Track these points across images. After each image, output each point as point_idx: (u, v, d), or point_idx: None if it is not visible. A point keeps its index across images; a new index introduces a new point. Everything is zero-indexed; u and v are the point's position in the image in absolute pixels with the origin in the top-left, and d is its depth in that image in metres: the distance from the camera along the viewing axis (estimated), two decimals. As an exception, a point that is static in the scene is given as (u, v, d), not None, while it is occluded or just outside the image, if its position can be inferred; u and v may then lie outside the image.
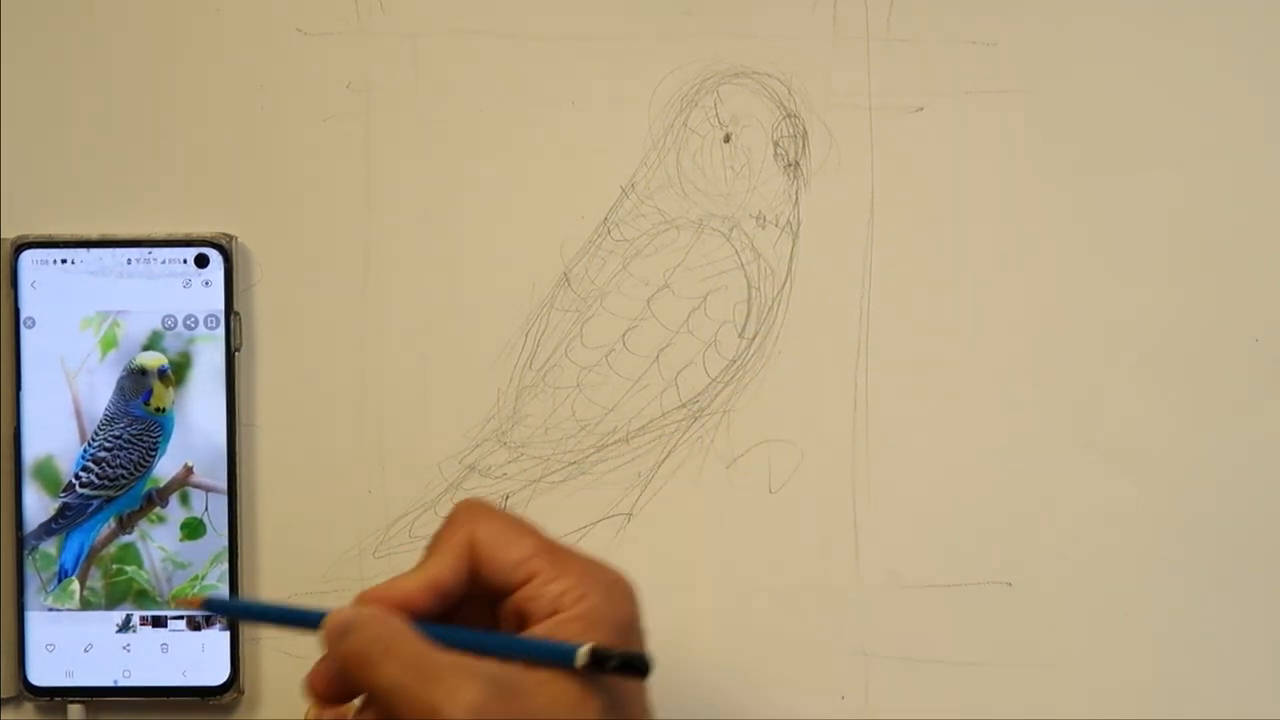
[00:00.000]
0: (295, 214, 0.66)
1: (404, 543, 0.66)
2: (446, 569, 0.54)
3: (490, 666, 0.51)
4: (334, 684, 0.54)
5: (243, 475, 0.66)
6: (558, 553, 0.54)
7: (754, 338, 0.66)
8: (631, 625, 0.54)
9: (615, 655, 0.51)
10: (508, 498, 0.66)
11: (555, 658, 0.51)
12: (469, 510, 0.56)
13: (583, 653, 0.51)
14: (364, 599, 0.54)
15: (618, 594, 0.54)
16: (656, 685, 0.66)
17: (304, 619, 0.55)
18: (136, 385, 0.65)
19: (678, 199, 0.65)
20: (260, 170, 0.66)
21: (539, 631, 0.53)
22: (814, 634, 0.65)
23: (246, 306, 0.66)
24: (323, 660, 0.54)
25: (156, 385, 0.65)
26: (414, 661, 0.51)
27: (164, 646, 0.65)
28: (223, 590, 0.65)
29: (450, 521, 0.55)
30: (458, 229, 0.66)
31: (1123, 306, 0.65)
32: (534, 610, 0.53)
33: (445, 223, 0.66)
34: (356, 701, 0.53)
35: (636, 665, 0.51)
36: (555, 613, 0.53)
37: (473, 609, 0.55)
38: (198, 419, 0.65)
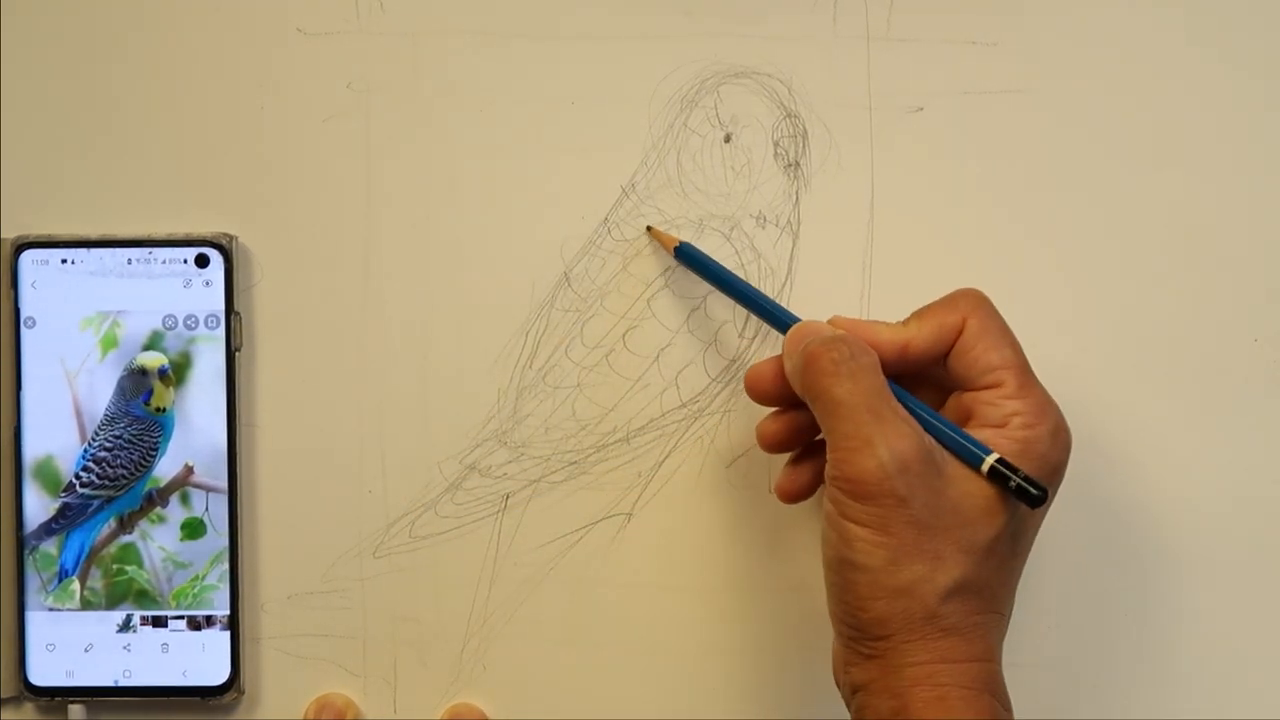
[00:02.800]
0: (295, 214, 0.66)
1: (404, 543, 0.66)
2: (927, 339, 0.58)
3: (930, 439, 0.55)
4: (777, 379, 0.58)
5: (243, 475, 0.66)
6: (1027, 375, 0.57)
7: (754, 338, 0.66)
8: (1057, 469, 0.57)
9: (1019, 474, 0.55)
10: (507, 498, 0.66)
11: (968, 453, 0.55)
12: (970, 298, 0.59)
13: (991, 459, 0.55)
14: (838, 322, 0.59)
15: (1061, 438, 0.57)
16: (656, 685, 0.66)
17: (774, 314, 0.61)
18: (137, 385, 0.65)
19: (678, 199, 0.65)
20: (260, 170, 0.66)
21: (980, 436, 0.56)
22: (814, 634, 0.65)
23: (246, 306, 0.66)
24: (774, 360, 0.59)
25: (157, 385, 0.65)
26: (874, 393, 0.55)
27: (164, 646, 0.65)
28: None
29: (950, 299, 0.59)
30: (458, 229, 0.66)
31: (1123, 306, 0.65)
32: (984, 415, 0.57)
33: (445, 223, 0.66)
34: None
35: (1033, 489, 0.54)
36: (1001, 426, 0.56)
37: (922, 382, 0.59)
38: (198, 419, 0.65)
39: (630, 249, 0.66)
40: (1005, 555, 0.56)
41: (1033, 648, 0.65)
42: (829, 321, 0.59)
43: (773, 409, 0.61)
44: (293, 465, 0.66)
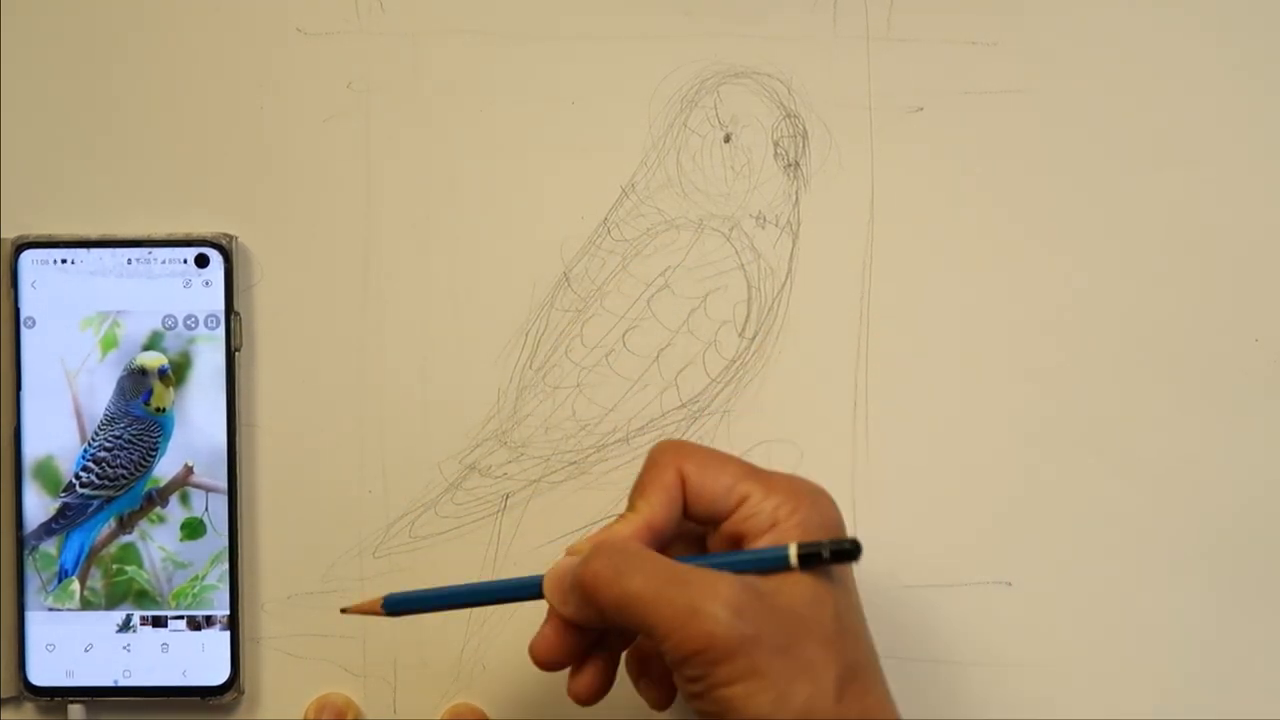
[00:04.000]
0: (295, 214, 0.66)
1: (404, 543, 0.66)
2: (660, 508, 0.57)
3: (730, 575, 0.54)
4: (566, 642, 0.57)
5: (243, 475, 0.66)
6: (761, 474, 0.57)
7: (754, 338, 0.66)
8: (839, 527, 0.57)
9: (824, 545, 0.55)
10: (507, 498, 0.66)
11: (772, 563, 0.55)
12: (670, 450, 0.58)
13: (794, 550, 0.55)
14: (576, 550, 0.57)
15: (824, 502, 0.57)
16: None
17: (515, 589, 0.58)
18: (136, 385, 0.65)
19: (678, 199, 0.65)
20: (260, 170, 0.66)
21: (762, 545, 0.55)
22: (814, 634, 0.65)
23: (246, 306, 0.66)
24: (547, 620, 0.57)
25: (156, 385, 0.65)
26: (662, 570, 0.54)
27: (164, 646, 0.65)
28: (221, 595, 0.65)
29: (653, 464, 0.58)
30: (458, 229, 0.66)
31: (1123, 306, 0.65)
32: (751, 529, 0.56)
33: (445, 223, 0.66)
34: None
35: (847, 550, 0.55)
36: (773, 526, 0.56)
37: (678, 546, 0.58)
38: (198, 419, 0.65)
39: (630, 249, 0.66)
40: (857, 627, 0.56)
41: (1030, 648, 0.65)
42: (566, 552, 0.57)
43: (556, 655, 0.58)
44: (293, 465, 0.66)
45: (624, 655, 0.59)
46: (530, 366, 0.66)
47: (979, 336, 0.65)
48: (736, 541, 0.57)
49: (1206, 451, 0.65)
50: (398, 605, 0.60)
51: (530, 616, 0.65)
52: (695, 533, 0.59)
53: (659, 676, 0.58)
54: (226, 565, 0.65)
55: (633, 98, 0.65)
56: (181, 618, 0.65)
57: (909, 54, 0.65)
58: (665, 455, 0.58)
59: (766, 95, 0.65)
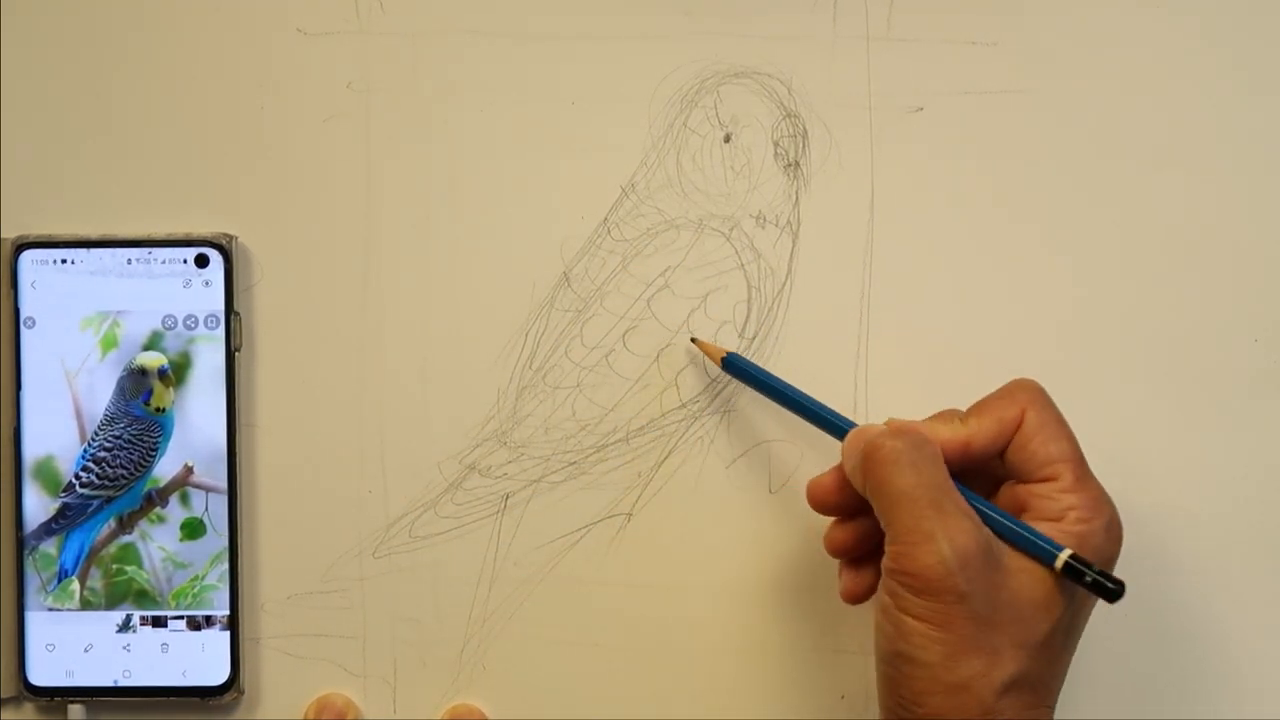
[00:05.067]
0: (295, 214, 0.66)
1: (404, 543, 0.66)
2: (986, 436, 0.58)
3: (988, 532, 0.55)
4: (841, 488, 0.58)
5: (243, 475, 0.66)
6: (1083, 469, 0.58)
7: (754, 338, 0.66)
8: (1111, 563, 0.57)
9: (1094, 569, 0.55)
10: (507, 498, 0.66)
11: (1040, 551, 0.55)
12: (1026, 391, 0.59)
13: (1065, 555, 0.55)
14: (895, 425, 0.58)
15: (1115, 531, 0.57)
16: (656, 685, 0.66)
17: (828, 418, 0.61)
18: (136, 385, 0.65)
19: (678, 199, 0.65)
20: (260, 170, 0.66)
21: (1042, 529, 0.56)
22: (814, 634, 0.65)
23: (246, 306, 0.66)
24: (835, 470, 0.59)
25: (156, 385, 0.65)
26: (936, 486, 0.55)
27: (164, 646, 0.65)
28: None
29: (1006, 393, 0.59)
30: (458, 229, 0.66)
31: (1123, 306, 0.65)
32: (1039, 508, 0.57)
33: (445, 223, 0.66)
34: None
35: (1109, 585, 0.55)
36: (1058, 520, 0.56)
37: (975, 475, 0.59)
38: (198, 419, 0.65)
39: (630, 249, 0.66)
40: (1059, 649, 0.56)
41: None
42: (885, 423, 0.59)
43: (835, 518, 0.61)
44: (293, 465, 0.66)
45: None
46: (530, 366, 0.66)
47: (979, 336, 0.65)
48: (1020, 506, 0.57)
49: (1206, 451, 0.65)
50: (735, 364, 0.63)
51: (532, 616, 0.65)
52: (997, 472, 0.59)
53: (874, 578, 0.60)
54: (226, 565, 0.65)
55: (633, 98, 0.65)
56: (181, 618, 0.65)
57: (909, 54, 0.65)
58: (1021, 394, 0.58)
59: (766, 95, 0.65)
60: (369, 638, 0.66)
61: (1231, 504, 0.65)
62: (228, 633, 0.65)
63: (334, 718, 0.65)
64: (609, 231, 0.66)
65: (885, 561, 0.55)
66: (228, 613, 0.65)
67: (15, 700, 0.66)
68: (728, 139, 0.66)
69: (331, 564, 0.66)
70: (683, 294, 0.65)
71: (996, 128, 0.65)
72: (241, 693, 0.66)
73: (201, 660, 0.65)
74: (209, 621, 0.65)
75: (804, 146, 0.65)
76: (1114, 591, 0.55)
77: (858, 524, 0.60)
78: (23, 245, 0.65)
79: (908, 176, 0.65)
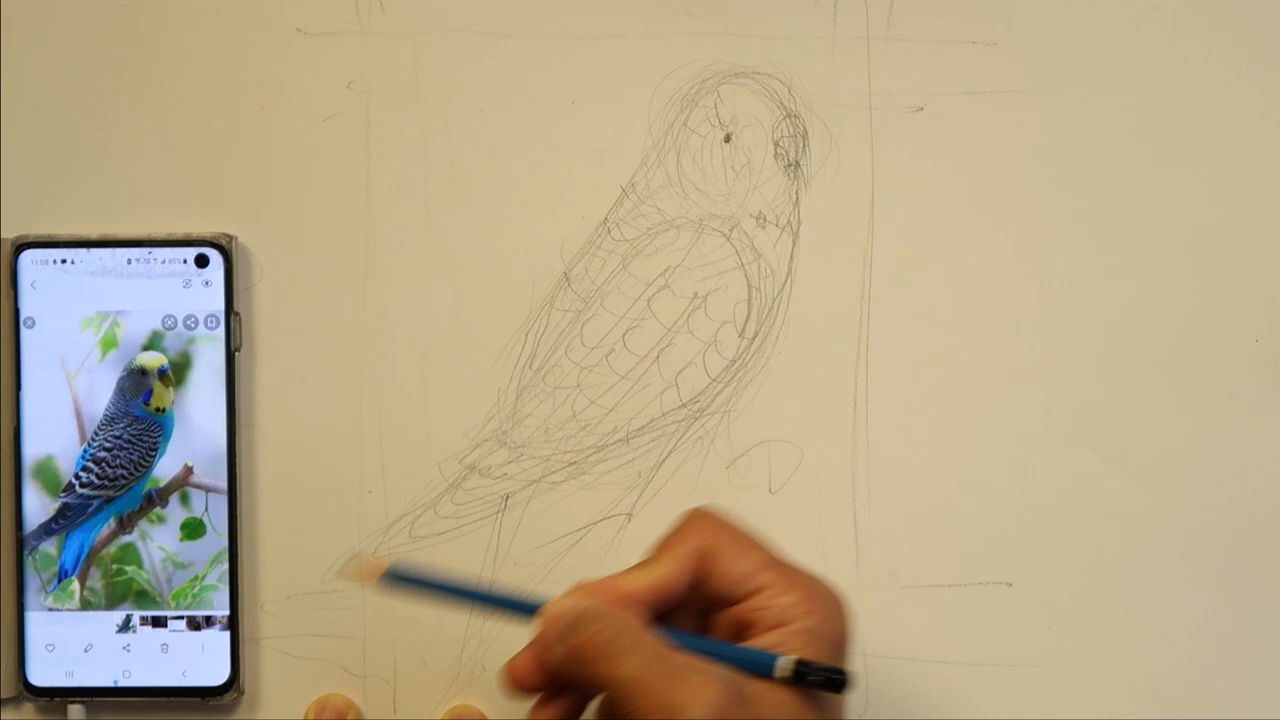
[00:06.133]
0: (295, 214, 0.66)
1: (404, 543, 0.66)
2: (673, 574, 0.56)
3: (722, 670, 0.53)
4: (542, 674, 0.55)
5: (243, 475, 0.66)
6: (784, 568, 0.56)
7: (754, 338, 0.66)
8: (845, 642, 0.56)
9: (816, 669, 0.53)
10: (507, 498, 0.66)
11: (762, 667, 0.53)
12: (702, 520, 0.57)
13: (785, 663, 0.53)
14: (585, 590, 0.56)
15: (837, 612, 0.56)
16: (656, 685, 0.66)
17: (515, 605, 0.57)
18: (136, 385, 0.65)
19: (678, 199, 0.65)
20: (260, 170, 0.66)
21: (764, 642, 0.54)
22: (814, 634, 0.65)
23: (246, 306, 0.66)
24: (531, 649, 0.55)
25: (156, 385, 0.65)
26: (656, 658, 0.53)
27: (164, 646, 0.65)
28: (218, 592, 0.65)
29: (682, 529, 0.57)
30: (458, 228, 0.66)
31: (1123, 306, 0.65)
32: (759, 620, 0.55)
33: (445, 222, 0.66)
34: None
35: (836, 680, 0.53)
36: (781, 625, 0.55)
37: (682, 613, 0.57)
38: (198, 419, 0.65)
39: (630, 249, 0.66)
40: None
41: (1029, 648, 0.65)
42: (575, 589, 0.56)
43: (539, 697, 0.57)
44: (293, 465, 0.66)
45: (597, 704, 0.56)
46: (530, 366, 0.66)
47: (979, 336, 0.65)
48: (741, 628, 0.55)
49: (1206, 451, 0.65)
50: (398, 578, 0.57)
51: (530, 616, 0.65)
52: (702, 603, 0.57)
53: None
54: (226, 565, 0.65)
55: (633, 98, 0.65)
56: (181, 618, 0.65)
57: (909, 54, 0.65)
58: (697, 525, 0.57)
59: (766, 95, 0.65)
60: (369, 638, 0.66)
61: (1231, 503, 0.65)
62: (228, 633, 0.65)
63: (334, 718, 0.65)
64: (609, 231, 0.66)
65: None
66: (228, 613, 0.65)
67: (15, 700, 0.66)
68: (728, 139, 0.66)
69: (331, 564, 0.66)
70: (683, 294, 0.65)
71: (996, 128, 0.65)
72: (241, 693, 0.66)
73: (201, 660, 0.65)
74: (209, 621, 0.65)
75: (804, 146, 0.65)
76: (840, 682, 0.53)
77: (566, 702, 0.56)
78: (23, 245, 0.65)
79: (908, 176, 0.65)
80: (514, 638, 0.65)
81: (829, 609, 0.56)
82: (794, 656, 0.53)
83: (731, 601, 0.56)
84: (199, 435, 0.65)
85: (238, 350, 0.66)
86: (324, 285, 0.66)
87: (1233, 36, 0.65)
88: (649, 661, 0.53)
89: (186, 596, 0.65)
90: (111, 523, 0.66)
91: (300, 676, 0.66)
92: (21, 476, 0.65)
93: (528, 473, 0.66)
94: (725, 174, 0.65)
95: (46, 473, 0.65)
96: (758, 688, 0.53)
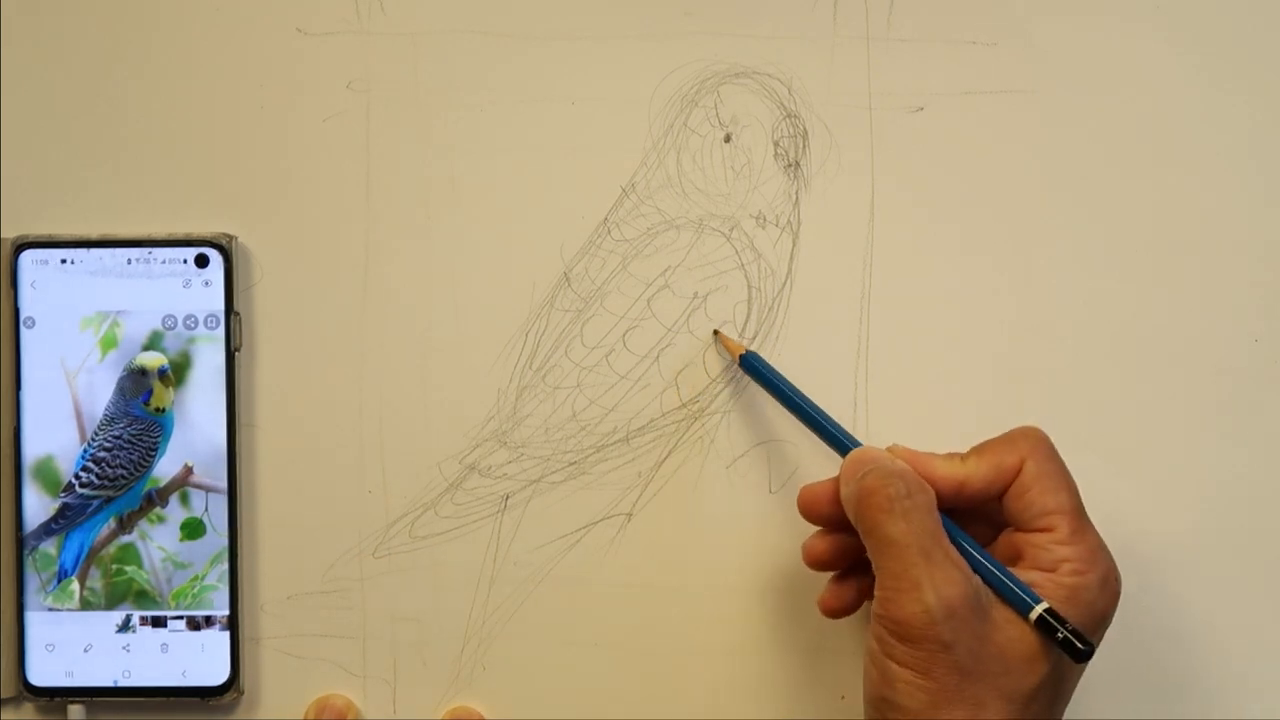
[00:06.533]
0: (295, 214, 0.66)
1: (404, 543, 0.66)
2: (984, 478, 0.58)
3: (977, 580, 0.55)
4: (833, 503, 0.59)
5: (243, 475, 0.66)
6: (1081, 520, 0.57)
7: (754, 338, 0.66)
8: (1103, 619, 0.57)
9: (1067, 626, 0.54)
10: (507, 498, 0.66)
11: (1016, 599, 0.55)
12: (1030, 438, 0.59)
13: (1040, 609, 0.55)
14: (897, 453, 0.59)
15: (1110, 587, 0.57)
16: (655, 685, 0.66)
17: (834, 433, 0.61)
18: (136, 385, 0.65)
19: (678, 199, 0.65)
20: (260, 170, 0.66)
21: (1028, 578, 0.56)
22: (814, 634, 0.65)
23: (246, 306, 0.66)
24: (831, 481, 0.59)
25: (156, 385, 0.65)
26: (927, 535, 0.55)
27: (164, 646, 0.65)
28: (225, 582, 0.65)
29: (1008, 439, 0.59)
30: (458, 229, 0.66)
31: (1122, 306, 0.65)
32: (1034, 556, 0.57)
33: (445, 223, 0.66)
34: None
35: (1079, 643, 0.54)
36: (1052, 570, 0.56)
37: (972, 514, 0.59)
38: (198, 419, 0.65)
39: (630, 249, 0.66)
40: (1046, 703, 0.56)
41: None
42: (888, 449, 0.59)
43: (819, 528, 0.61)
44: (293, 465, 0.66)
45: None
46: (530, 366, 0.66)
47: (979, 336, 0.65)
48: (1015, 554, 0.57)
49: (1206, 451, 0.65)
50: (752, 364, 0.63)
51: (532, 616, 0.65)
52: (995, 514, 0.59)
53: (855, 594, 0.61)
54: (226, 565, 0.65)
55: (633, 98, 0.65)
56: (181, 618, 0.65)
57: (909, 54, 0.65)
58: (1023, 441, 0.59)
59: (766, 95, 0.65)
60: (369, 638, 0.66)
61: (1231, 503, 0.65)
62: (228, 633, 0.65)
63: (334, 718, 0.65)
64: (609, 231, 0.66)
65: (873, 606, 0.56)
66: (228, 613, 0.65)
67: (15, 700, 0.66)
68: (728, 139, 0.66)
69: (331, 564, 0.66)
70: (683, 294, 0.65)
71: (996, 128, 0.65)
72: (241, 693, 0.66)
73: (201, 660, 0.65)
74: (209, 621, 0.65)
75: (804, 146, 0.65)
76: (1082, 651, 0.54)
77: (839, 539, 0.60)
78: (23, 245, 0.65)
79: (908, 176, 0.65)
80: (514, 639, 0.65)
81: (1102, 580, 0.57)
82: (1047, 605, 0.55)
83: (1021, 528, 0.58)
84: (199, 435, 0.65)
85: (238, 350, 0.65)
86: (324, 285, 0.66)
87: (1233, 36, 0.65)
88: (919, 535, 0.55)
89: (186, 596, 0.65)
90: (111, 523, 0.66)
91: (300, 676, 0.66)
92: (21, 476, 0.65)
93: (528, 473, 0.66)
94: (725, 174, 0.65)
95: (46, 473, 0.65)
96: (1002, 613, 0.55)
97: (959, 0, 0.65)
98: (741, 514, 0.66)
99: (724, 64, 0.65)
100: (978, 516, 0.60)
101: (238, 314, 0.65)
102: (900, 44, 0.65)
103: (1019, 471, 0.58)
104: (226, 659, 0.65)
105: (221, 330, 0.65)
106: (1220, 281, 0.65)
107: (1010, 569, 0.57)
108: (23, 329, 0.65)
